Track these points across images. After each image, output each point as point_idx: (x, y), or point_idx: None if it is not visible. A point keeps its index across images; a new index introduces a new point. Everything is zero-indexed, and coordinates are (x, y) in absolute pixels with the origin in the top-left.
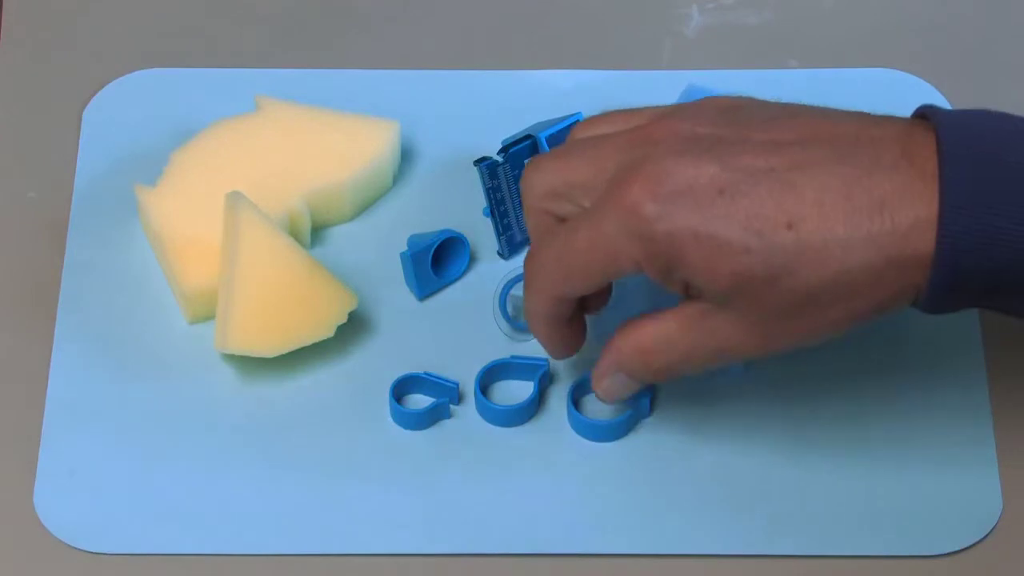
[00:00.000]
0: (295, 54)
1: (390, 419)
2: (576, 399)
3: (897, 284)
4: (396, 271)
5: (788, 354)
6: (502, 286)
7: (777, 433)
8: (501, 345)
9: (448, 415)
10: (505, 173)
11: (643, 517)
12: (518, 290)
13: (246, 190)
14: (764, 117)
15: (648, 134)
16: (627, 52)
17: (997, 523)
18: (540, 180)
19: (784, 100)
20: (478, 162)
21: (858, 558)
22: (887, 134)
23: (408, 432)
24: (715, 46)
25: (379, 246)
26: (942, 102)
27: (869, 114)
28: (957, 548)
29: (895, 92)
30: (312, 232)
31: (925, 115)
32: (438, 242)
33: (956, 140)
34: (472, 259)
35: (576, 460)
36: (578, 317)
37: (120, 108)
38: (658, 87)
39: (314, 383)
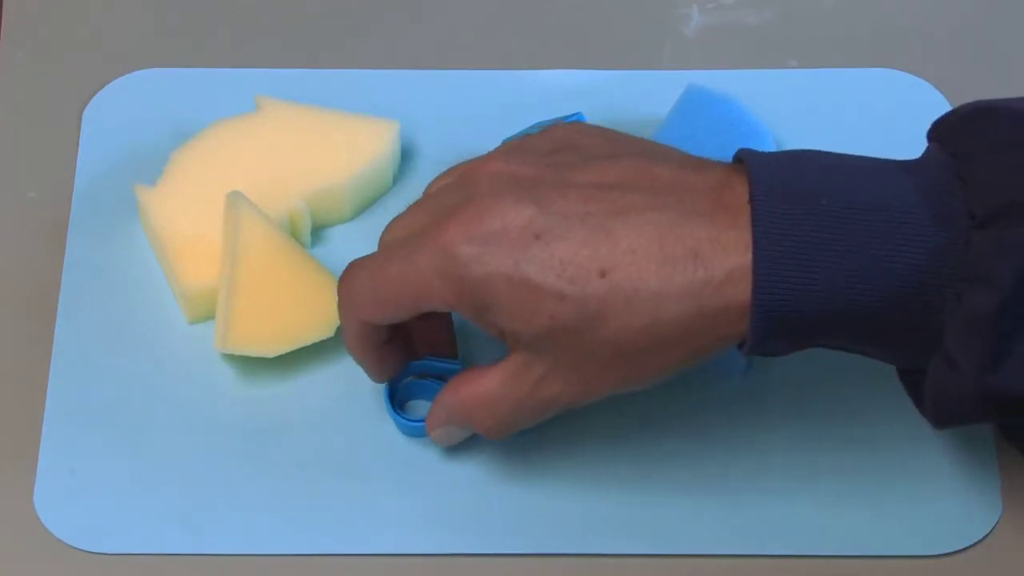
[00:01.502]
0: (295, 54)
1: (389, 420)
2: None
3: (713, 333)
4: None
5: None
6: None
7: (776, 433)
8: (501, 345)
9: None
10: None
11: (642, 517)
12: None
13: (246, 190)
14: (588, 156)
15: (470, 176)
16: (627, 52)
17: (996, 523)
18: (391, 229)
19: (769, 100)
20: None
21: (856, 558)
22: (704, 180)
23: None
24: (715, 46)
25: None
26: (942, 102)
27: (692, 157)
28: (956, 548)
29: (895, 92)
30: (312, 232)
31: (741, 159)
32: None
33: (768, 187)
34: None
35: (574, 461)
36: (396, 340)
37: (120, 108)
38: (658, 87)
39: (314, 384)
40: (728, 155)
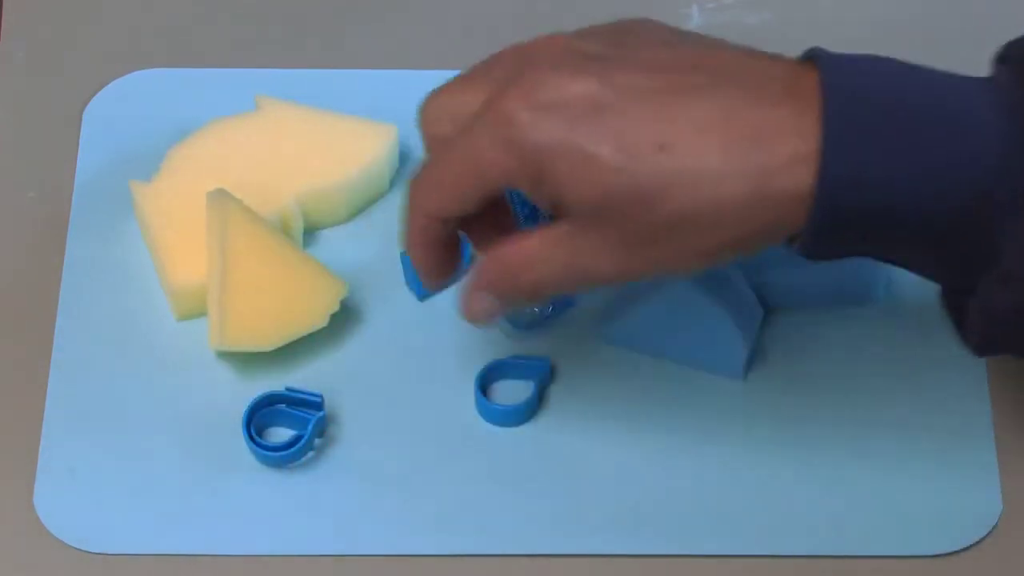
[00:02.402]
0: (295, 54)
1: (390, 414)
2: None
3: (768, 218)
4: (395, 271)
5: (787, 353)
6: None
7: (776, 434)
8: (501, 344)
9: (312, 448)
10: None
11: (642, 517)
12: None
13: (240, 188)
14: (654, 40)
15: (532, 49)
16: None
17: (997, 523)
18: (435, 106)
19: None
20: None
21: (857, 558)
22: (773, 67)
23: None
24: None
25: (379, 247)
26: None
27: (758, 51)
28: (956, 548)
29: None
30: (307, 233)
31: (812, 56)
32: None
33: (840, 80)
34: (472, 259)
35: (575, 461)
36: (454, 243)
37: (120, 108)
38: None
39: (313, 385)
40: None
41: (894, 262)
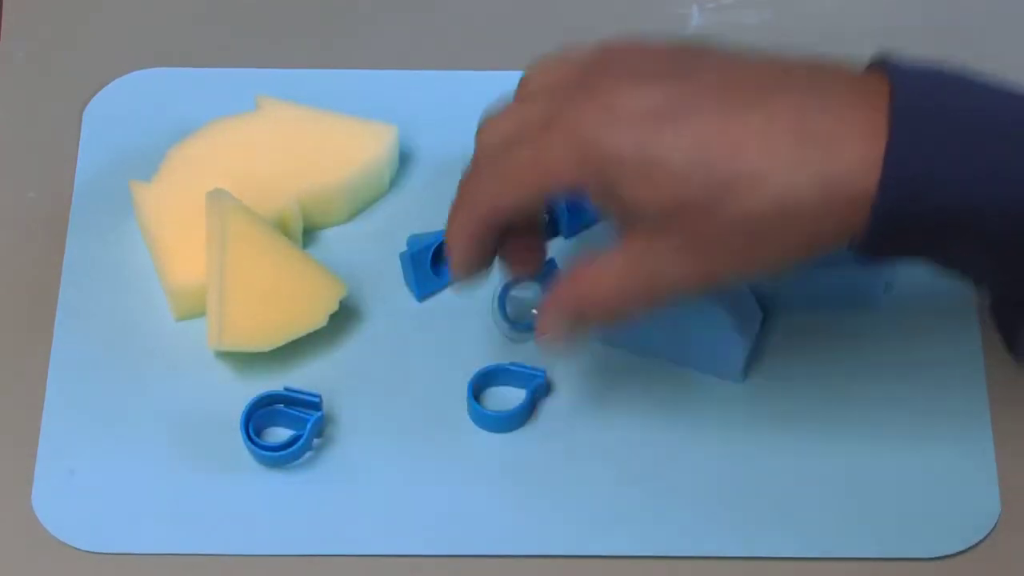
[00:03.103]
0: (295, 54)
1: (389, 413)
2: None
3: (834, 220)
4: (395, 272)
5: (786, 355)
6: (501, 287)
7: (773, 435)
8: (499, 347)
9: (310, 448)
10: None
11: (642, 518)
12: (517, 291)
13: (240, 188)
14: (717, 52)
15: (602, 61)
16: None
17: (995, 526)
18: (494, 129)
19: None
20: None
21: (855, 560)
22: (841, 75)
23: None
24: None
25: (378, 247)
26: None
27: (822, 59)
28: (955, 551)
29: None
30: (307, 233)
31: (880, 62)
32: (437, 242)
33: (908, 86)
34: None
35: (574, 462)
36: (493, 245)
37: (120, 108)
38: None
39: (311, 385)
40: None
41: (951, 268)
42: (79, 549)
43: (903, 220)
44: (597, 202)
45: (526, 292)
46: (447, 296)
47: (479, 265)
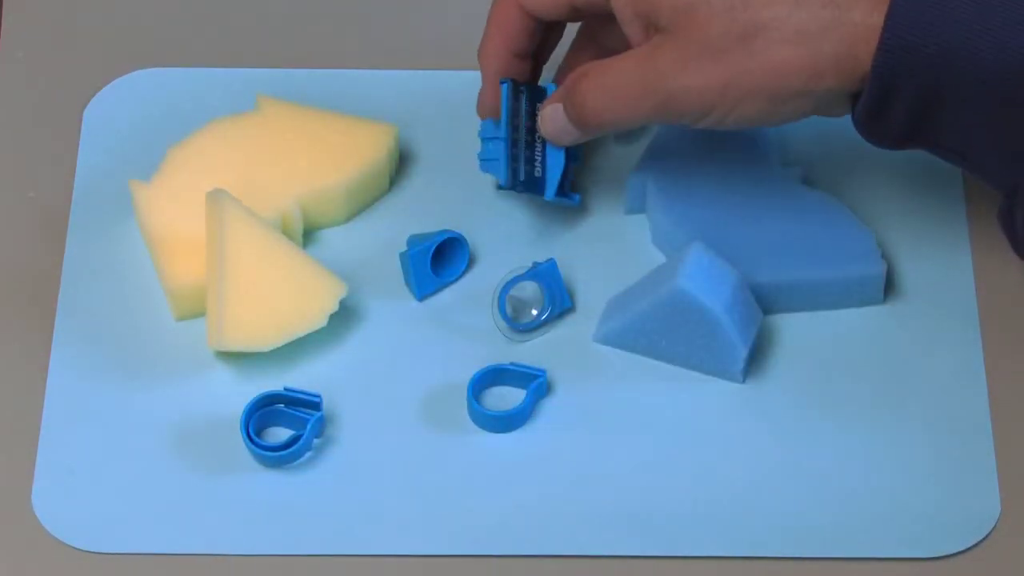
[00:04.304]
0: (295, 54)
1: (389, 413)
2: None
3: (839, 48)
4: (395, 272)
5: (786, 355)
6: (501, 287)
7: (773, 436)
8: (499, 346)
9: (310, 448)
10: (523, 104)
11: (638, 519)
12: (517, 291)
13: (240, 188)
14: None
15: None
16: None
17: (995, 526)
18: None
19: None
20: (503, 80)
21: (856, 560)
22: None
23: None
24: None
25: (378, 246)
26: None
27: None
28: (955, 550)
29: None
30: (307, 233)
31: None
32: (438, 242)
33: None
34: (471, 260)
35: (573, 463)
36: (526, 59)
37: (120, 108)
38: None
39: (311, 386)
40: (724, 149)
41: (954, 150)
42: (79, 549)
43: (905, 60)
44: (619, 11)
45: (526, 292)
46: (447, 296)
47: (505, 72)
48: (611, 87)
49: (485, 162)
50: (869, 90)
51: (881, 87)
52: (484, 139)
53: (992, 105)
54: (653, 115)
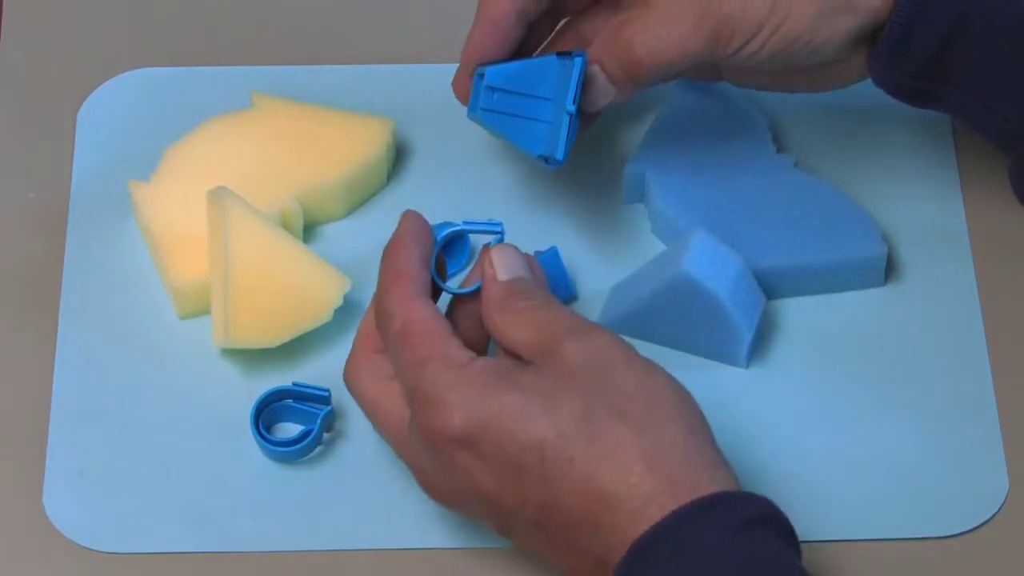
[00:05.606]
0: (291, 51)
1: None
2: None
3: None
4: None
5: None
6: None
7: (778, 420)
8: None
9: (320, 442)
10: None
11: None
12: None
13: (239, 186)
14: None
15: None
16: None
17: (1003, 503)
18: None
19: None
20: (562, 55)
21: (864, 541)
22: None
23: None
24: None
25: (378, 240)
26: None
27: None
28: (964, 529)
29: None
30: (305, 229)
31: None
32: (442, 243)
33: None
34: (472, 254)
35: None
36: (515, 41)
37: (116, 107)
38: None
39: (318, 381)
40: (720, 137)
41: (971, 90)
42: (91, 549)
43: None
44: None
45: None
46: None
47: (489, 52)
48: (661, 23)
49: (489, 113)
50: (897, 9)
51: (913, 7)
52: (494, 88)
53: (1020, 41)
54: (705, 47)
